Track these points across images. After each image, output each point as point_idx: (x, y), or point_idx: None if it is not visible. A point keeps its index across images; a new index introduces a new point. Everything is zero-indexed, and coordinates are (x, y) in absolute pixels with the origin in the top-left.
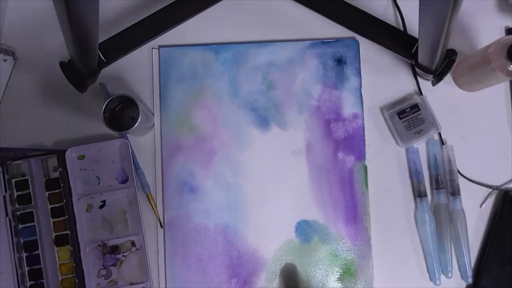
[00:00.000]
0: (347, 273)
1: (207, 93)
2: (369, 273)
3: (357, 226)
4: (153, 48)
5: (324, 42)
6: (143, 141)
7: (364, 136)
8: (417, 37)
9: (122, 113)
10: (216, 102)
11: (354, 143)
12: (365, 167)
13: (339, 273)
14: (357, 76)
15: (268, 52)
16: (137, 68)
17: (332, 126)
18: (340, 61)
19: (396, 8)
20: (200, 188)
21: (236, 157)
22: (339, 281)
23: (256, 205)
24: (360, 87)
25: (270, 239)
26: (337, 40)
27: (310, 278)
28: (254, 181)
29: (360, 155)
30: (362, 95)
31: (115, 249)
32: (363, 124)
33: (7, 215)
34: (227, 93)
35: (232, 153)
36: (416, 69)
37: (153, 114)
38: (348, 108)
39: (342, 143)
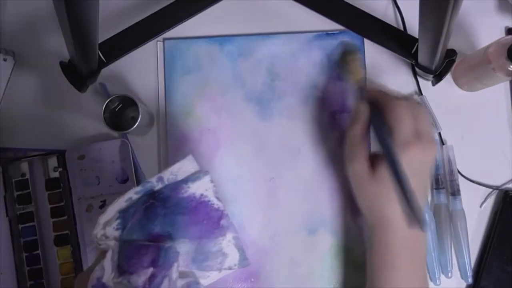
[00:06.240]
0: (353, 265)
1: (212, 85)
2: None
3: (362, 217)
4: (157, 41)
5: (328, 34)
6: (143, 141)
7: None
8: (417, 37)
9: (122, 113)
10: (221, 94)
11: None
12: None
13: (345, 265)
14: (362, 68)
15: (272, 44)
16: (142, 61)
17: (337, 118)
18: None
19: (396, 8)
20: None
21: (241, 149)
22: (345, 273)
23: (261, 197)
24: (365, 79)
25: (275, 231)
26: (342, 32)
27: (315, 271)
28: (259, 173)
29: None
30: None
31: None
32: None
33: (7, 215)
34: (232, 85)
35: (237, 145)
36: (416, 69)
37: (153, 115)
38: (353, 100)
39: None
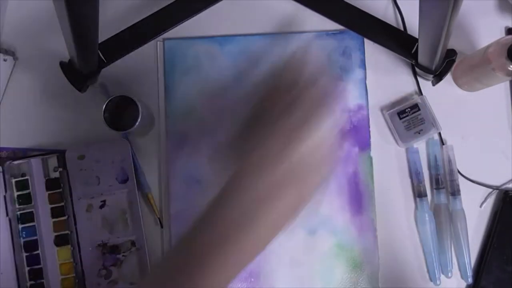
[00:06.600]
0: (353, 265)
1: (212, 85)
2: (375, 264)
3: (362, 217)
4: (157, 41)
5: (328, 34)
6: (143, 141)
7: (369, 127)
8: (417, 37)
9: (122, 113)
10: (221, 94)
11: (359, 134)
12: (370, 158)
13: (345, 265)
14: (362, 68)
15: (272, 44)
16: (142, 61)
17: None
18: (344, 53)
19: (396, 8)
20: (206, 180)
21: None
22: (345, 273)
23: None
24: (365, 78)
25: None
26: (342, 32)
27: (315, 270)
28: None
29: (365, 146)
30: (367, 85)
31: (115, 249)
32: (368, 115)
33: (7, 215)
34: (232, 85)
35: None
36: (416, 69)
37: (153, 115)
38: (353, 100)
39: (347, 134)
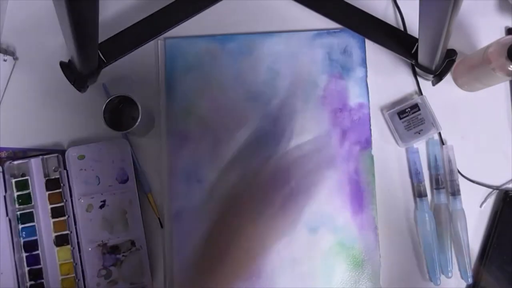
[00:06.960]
0: (354, 263)
1: (212, 84)
2: (376, 262)
3: (363, 215)
4: (158, 40)
5: (329, 32)
6: (143, 141)
7: (370, 125)
8: (417, 37)
9: (122, 113)
10: (222, 93)
11: (360, 133)
12: (371, 156)
13: (346, 263)
14: (363, 66)
15: (273, 43)
16: (142, 61)
17: (338, 116)
18: (345, 51)
19: (396, 8)
20: (206, 180)
21: (241, 148)
22: (346, 271)
23: None
24: (366, 76)
25: (277, 229)
26: (342, 30)
27: (316, 269)
28: (261, 172)
29: (366, 145)
30: (368, 85)
31: (115, 249)
32: (369, 114)
33: (7, 215)
34: (233, 83)
35: (238, 145)
36: (416, 69)
37: (154, 115)
38: (354, 98)
39: (348, 133)
